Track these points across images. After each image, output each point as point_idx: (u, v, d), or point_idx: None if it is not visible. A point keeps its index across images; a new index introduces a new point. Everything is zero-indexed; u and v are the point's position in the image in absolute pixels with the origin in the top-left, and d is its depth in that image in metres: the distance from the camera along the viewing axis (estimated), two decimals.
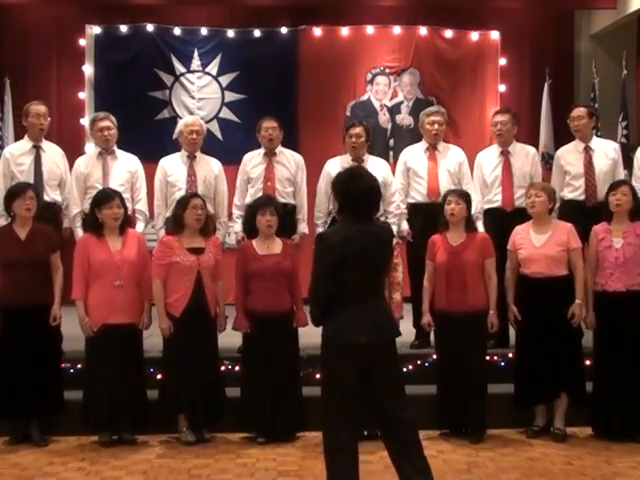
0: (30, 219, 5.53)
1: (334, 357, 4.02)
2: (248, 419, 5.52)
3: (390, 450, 4.07)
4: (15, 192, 5.55)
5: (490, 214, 6.41)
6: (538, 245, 5.52)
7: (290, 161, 6.54)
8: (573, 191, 6.42)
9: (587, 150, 6.45)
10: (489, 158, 6.55)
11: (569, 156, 6.51)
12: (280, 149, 6.55)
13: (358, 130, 6.39)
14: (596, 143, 6.51)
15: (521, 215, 5.90)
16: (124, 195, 5.83)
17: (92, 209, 5.53)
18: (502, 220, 6.21)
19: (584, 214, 6.06)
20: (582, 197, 6.37)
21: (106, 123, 6.37)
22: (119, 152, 6.45)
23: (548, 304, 5.42)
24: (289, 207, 6.41)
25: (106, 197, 5.51)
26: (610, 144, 6.69)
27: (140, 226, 6.30)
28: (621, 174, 6.40)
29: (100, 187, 6.18)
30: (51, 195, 6.31)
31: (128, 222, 5.69)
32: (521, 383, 5.61)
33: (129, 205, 5.99)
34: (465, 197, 5.62)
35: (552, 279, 5.45)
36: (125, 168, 6.38)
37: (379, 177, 6.24)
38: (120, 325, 5.37)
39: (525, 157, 6.50)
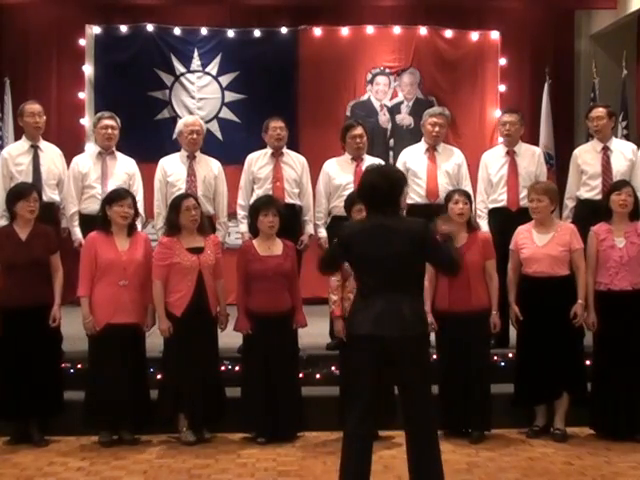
0: (32, 220, 5.52)
1: (348, 347, 4.14)
2: (248, 419, 5.52)
3: (407, 450, 4.08)
4: (19, 193, 5.53)
5: (495, 214, 6.42)
6: (540, 245, 5.52)
7: (296, 162, 6.55)
8: (589, 191, 6.41)
9: (605, 150, 6.44)
10: (495, 158, 6.55)
11: (586, 155, 6.51)
12: (285, 150, 6.56)
13: (360, 131, 6.41)
14: (614, 144, 6.52)
15: (526, 215, 5.83)
16: None
17: (103, 207, 5.53)
18: (507, 220, 6.20)
19: (601, 214, 6.04)
20: (599, 197, 6.34)
21: (111, 122, 6.37)
22: (117, 154, 6.44)
23: (549, 304, 5.43)
24: (297, 208, 6.42)
25: (119, 195, 5.52)
26: (628, 145, 6.69)
27: (137, 228, 6.29)
28: (638, 175, 6.36)
29: (98, 187, 6.18)
30: (49, 195, 6.29)
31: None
32: (521, 383, 5.61)
33: None
34: (469, 197, 5.65)
35: (554, 279, 5.45)
36: (123, 170, 6.36)
37: None
38: (123, 325, 5.37)
39: (531, 157, 6.51)
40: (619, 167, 6.38)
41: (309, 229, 6.50)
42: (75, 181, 6.30)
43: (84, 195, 6.27)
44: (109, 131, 6.34)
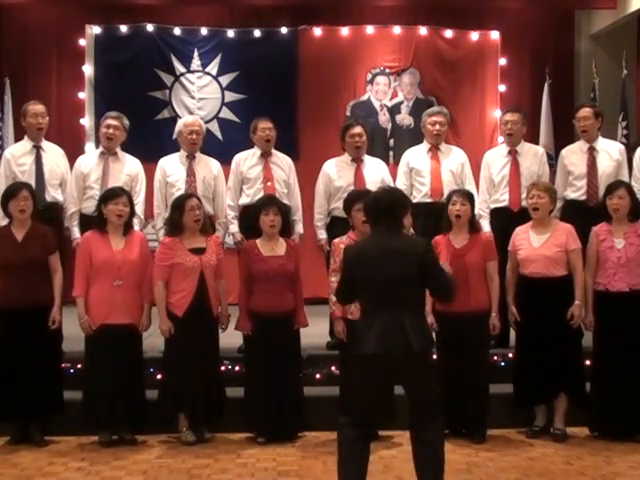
0: (27, 220, 5.51)
1: (350, 364, 4.18)
2: (250, 419, 5.52)
3: (412, 451, 4.12)
4: (9, 193, 5.53)
5: (497, 214, 6.40)
6: (537, 245, 5.52)
7: (283, 162, 6.54)
8: (575, 191, 6.40)
9: (591, 151, 6.42)
10: (497, 157, 6.53)
11: (573, 156, 6.49)
12: (273, 150, 6.54)
13: (359, 130, 6.40)
14: (601, 144, 6.48)
15: (528, 215, 5.80)
16: None
17: (99, 205, 5.52)
18: (509, 220, 6.17)
19: (586, 214, 6.04)
20: (584, 197, 6.35)
21: (114, 122, 6.35)
22: (122, 154, 6.42)
23: (547, 304, 5.43)
24: (287, 208, 6.41)
25: (113, 194, 5.51)
26: (615, 145, 6.66)
27: (136, 230, 6.27)
28: (625, 175, 6.34)
29: (98, 187, 6.17)
30: (53, 195, 6.27)
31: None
32: (521, 383, 5.61)
33: None
34: (470, 197, 5.62)
35: (550, 279, 5.45)
36: (125, 171, 6.34)
37: (377, 177, 6.32)
38: (119, 325, 5.37)
39: (533, 157, 6.48)
40: (605, 168, 6.35)
41: (298, 229, 6.49)
42: (77, 181, 6.29)
43: (85, 195, 6.26)
44: (110, 131, 6.32)
